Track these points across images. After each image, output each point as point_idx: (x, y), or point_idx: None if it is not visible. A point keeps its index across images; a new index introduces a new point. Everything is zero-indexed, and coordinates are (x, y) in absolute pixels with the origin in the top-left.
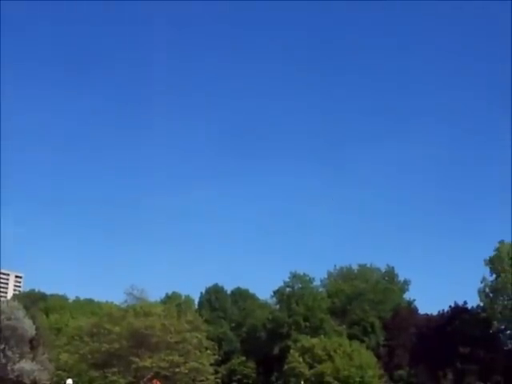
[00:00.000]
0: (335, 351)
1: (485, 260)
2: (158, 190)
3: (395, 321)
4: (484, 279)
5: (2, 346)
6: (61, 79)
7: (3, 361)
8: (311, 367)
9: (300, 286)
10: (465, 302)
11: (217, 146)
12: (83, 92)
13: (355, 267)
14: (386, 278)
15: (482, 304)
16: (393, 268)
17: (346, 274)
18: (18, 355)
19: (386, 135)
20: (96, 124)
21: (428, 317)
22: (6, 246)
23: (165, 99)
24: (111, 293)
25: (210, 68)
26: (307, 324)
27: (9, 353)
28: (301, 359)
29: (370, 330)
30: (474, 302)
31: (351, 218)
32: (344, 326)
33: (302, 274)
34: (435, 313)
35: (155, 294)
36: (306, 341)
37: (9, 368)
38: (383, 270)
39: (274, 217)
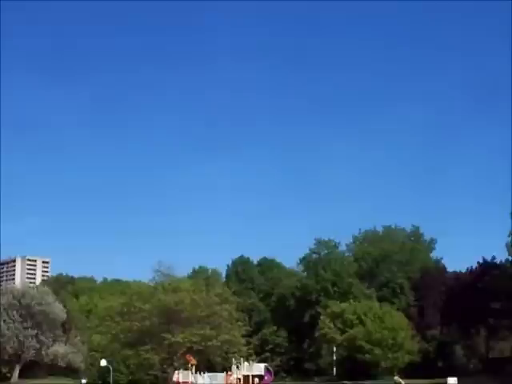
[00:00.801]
0: (365, 315)
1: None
2: (180, 162)
3: (424, 280)
4: None
5: (35, 331)
6: None
7: (37, 346)
8: (342, 332)
9: (326, 251)
10: (493, 257)
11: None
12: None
13: (380, 229)
14: (412, 239)
15: (510, 258)
16: (418, 228)
17: (371, 237)
18: (51, 339)
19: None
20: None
21: (457, 274)
22: (31, 233)
23: None
24: (138, 272)
25: None
26: (336, 289)
27: (42, 337)
28: (332, 325)
29: (399, 291)
30: (502, 256)
31: (374, 181)
32: (373, 289)
33: (327, 239)
34: (464, 270)
35: (182, 270)
36: (336, 306)
37: (43, 352)
38: (408, 231)
39: (296, 184)
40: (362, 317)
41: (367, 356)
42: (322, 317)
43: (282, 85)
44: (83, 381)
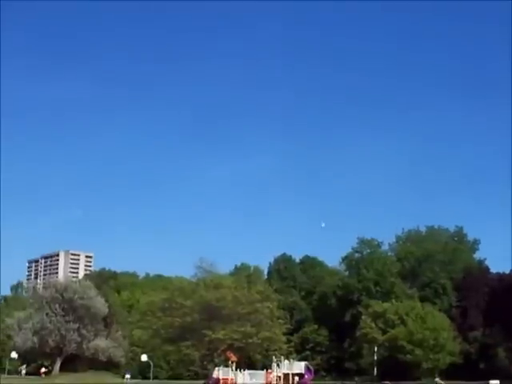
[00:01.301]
0: (407, 315)
1: None
2: (225, 157)
3: (467, 281)
4: None
5: (77, 325)
6: None
7: (78, 339)
8: (384, 332)
9: (369, 251)
10: None
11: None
12: None
13: (423, 229)
14: (455, 239)
15: None
16: (461, 228)
17: (414, 237)
18: (92, 333)
19: None
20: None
21: (500, 275)
22: (74, 228)
23: None
24: (180, 268)
25: None
26: (378, 289)
27: (83, 331)
28: (373, 324)
29: (441, 291)
30: None
31: (418, 181)
32: (415, 289)
33: (369, 238)
34: (507, 271)
35: (224, 267)
36: (378, 306)
37: (84, 346)
38: (452, 231)
39: (338, 184)
40: (404, 317)
41: (408, 356)
42: (363, 316)
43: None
44: (127, 376)
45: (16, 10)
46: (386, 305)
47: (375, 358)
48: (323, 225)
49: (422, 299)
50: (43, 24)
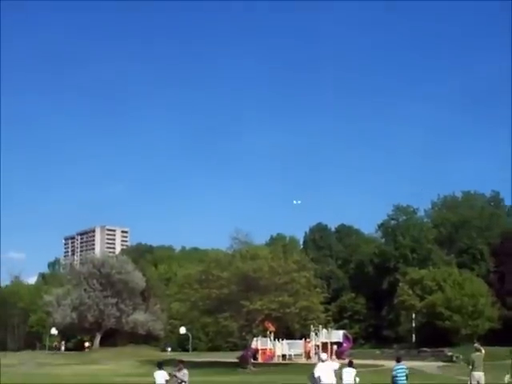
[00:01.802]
0: (445, 281)
1: None
2: (256, 128)
3: (504, 246)
4: None
5: (115, 300)
6: None
7: (117, 314)
8: (421, 299)
9: (404, 218)
10: None
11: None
12: None
13: (459, 195)
14: (492, 204)
15: None
16: (498, 193)
17: (450, 203)
18: (130, 307)
19: None
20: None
21: None
22: (109, 203)
23: None
24: (216, 240)
25: None
26: (414, 256)
27: (122, 306)
28: (410, 291)
29: (478, 257)
30: None
31: (454, 144)
32: (452, 256)
33: (405, 205)
34: None
35: (260, 238)
36: (415, 273)
37: (123, 320)
38: (488, 196)
39: (372, 149)
40: (442, 283)
41: (447, 323)
42: (400, 283)
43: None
44: (168, 349)
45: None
46: (424, 271)
47: (413, 325)
48: (297, 202)
49: (460, 265)
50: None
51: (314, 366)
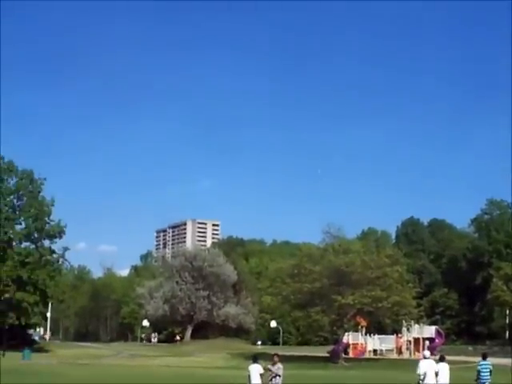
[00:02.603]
0: None
1: None
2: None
3: None
4: None
5: (207, 293)
6: None
7: (209, 307)
8: None
9: (498, 212)
10: None
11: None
12: None
13: None
14: None
15: None
16: None
17: None
18: (222, 300)
19: None
20: None
21: None
22: (201, 196)
23: None
24: (306, 234)
25: None
26: (509, 251)
27: (213, 299)
28: (505, 287)
29: None
30: None
31: None
32: None
33: (499, 200)
34: None
35: (352, 232)
36: (509, 268)
37: (214, 313)
38: None
39: (465, 143)
40: None
41: None
42: (494, 279)
43: None
44: (259, 342)
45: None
46: None
47: (507, 321)
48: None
49: None
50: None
51: (405, 361)
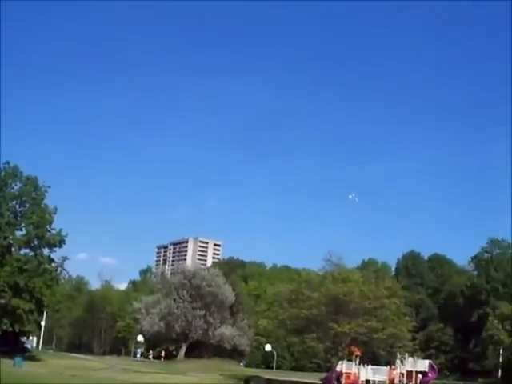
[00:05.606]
0: None
1: None
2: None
3: None
4: None
5: (204, 312)
6: None
7: (205, 326)
8: (511, 334)
9: (498, 251)
10: None
11: None
12: None
13: None
14: None
15: None
16: None
17: None
18: (218, 321)
19: None
20: None
21: None
22: (204, 217)
23: None
24: (307, 260)
25: None
26: (506, 290)
27: (210, 318)
28: (500, 326)
29: None
30: None
31: None
32: None
33: (500, 239)
34: None
35: (352, 261)
36: (506, 308)
37: (210, 333)
38: None
39: (470, 178)
40: None
41: None
42: (490, 317)
43: None
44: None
45: None
46: None
47: (500, 360)
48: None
49: None
50: None
51: None
